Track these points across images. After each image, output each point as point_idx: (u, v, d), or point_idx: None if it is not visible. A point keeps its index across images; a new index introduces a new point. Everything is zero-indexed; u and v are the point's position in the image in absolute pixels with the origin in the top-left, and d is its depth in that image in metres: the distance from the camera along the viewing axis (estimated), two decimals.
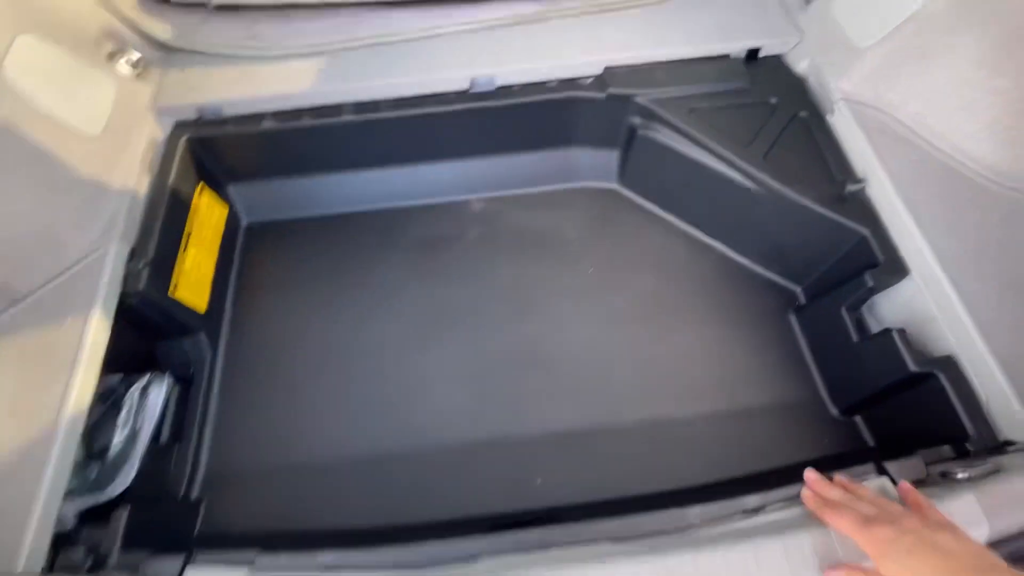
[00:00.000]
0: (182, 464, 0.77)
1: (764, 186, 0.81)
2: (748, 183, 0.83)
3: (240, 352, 0.88)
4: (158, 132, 0.86)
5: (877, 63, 0.79)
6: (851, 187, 0.78)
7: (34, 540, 0.55)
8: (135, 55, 0.86)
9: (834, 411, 0.80)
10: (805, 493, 0.53)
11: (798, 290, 0.91)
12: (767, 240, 0.89)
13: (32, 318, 0.69)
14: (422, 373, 0.86)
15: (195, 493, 0.77)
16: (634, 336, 0.88)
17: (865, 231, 0.76)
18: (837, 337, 0.78)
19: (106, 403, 0.78)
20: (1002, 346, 0.63)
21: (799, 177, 0.80)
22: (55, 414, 0.62)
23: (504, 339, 0.88)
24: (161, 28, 0.89)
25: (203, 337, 0.85)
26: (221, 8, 0.89)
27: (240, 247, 0.99)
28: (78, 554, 0.58)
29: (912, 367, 0.66)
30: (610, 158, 1.00)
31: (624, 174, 1.00)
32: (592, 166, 1.01)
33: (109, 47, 0.85)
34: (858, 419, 0.79)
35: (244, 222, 1.01)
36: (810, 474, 0.55)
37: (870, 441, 0.78)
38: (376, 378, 0.86)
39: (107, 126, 0.78)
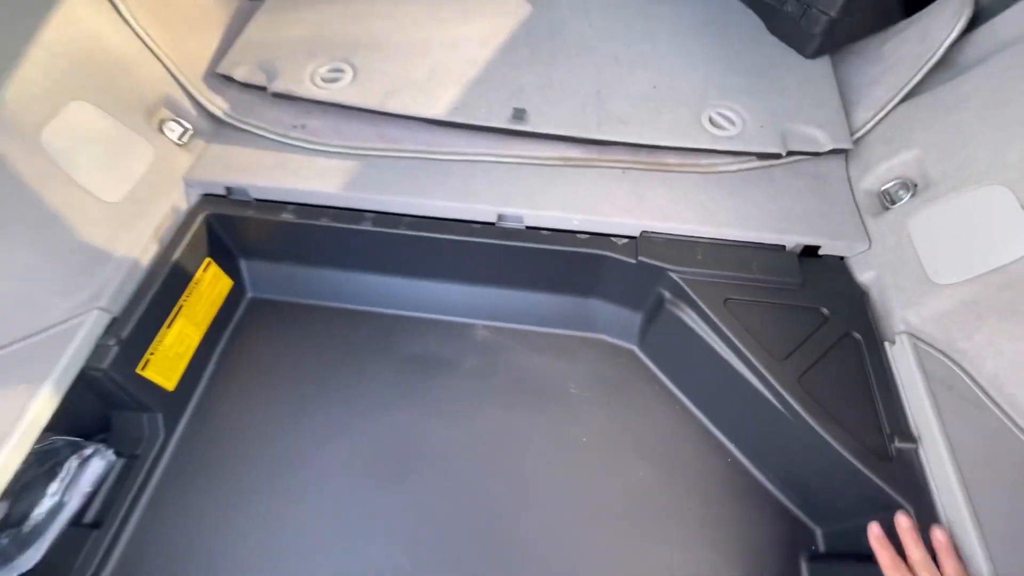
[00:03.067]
0: (91, 557, 0.71)
1: (793, 413, 0.70)
2: (776, 403, 0.72)
3: (196, 440, 0.83)
4: (182, 202, 0.86)
5: (954, 306, 0.67)
6: (900, 445, 0.65)
7: None
8: (186, 125, 0.88)
9: None
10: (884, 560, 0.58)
11: (818, 532, 0.77)
12: (791, 467, 0.77)
13: None
14: (371, 516, 0.77)
15: None
16: (615, 538, 0.76)
17: (907, 505, 0.62)
18: None
19: (44, 466, 0.75)
20: None
21: (839, 413, 0.68)
22: None
23: (469, 501, 0.79)
24: (218, 102, 0.91)
25: (159, 419, 0.81)
26: (278, 95, 0.90)
27: (237, 320, 0.96)
28: None
29: None
30: (632, 319, 0.91)
31: (644, 340, 0.91)
32: (612, 322, 0.92)
33: (163, 114, 0.87)
34: None
35: (249, 295, 0.99)
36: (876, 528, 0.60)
37: None
38: (322, 509, 0.78)
39: (130, 193, 0.79)
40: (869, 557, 0.61)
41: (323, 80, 0.90)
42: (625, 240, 0.83)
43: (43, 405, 0.65)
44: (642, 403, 0.88)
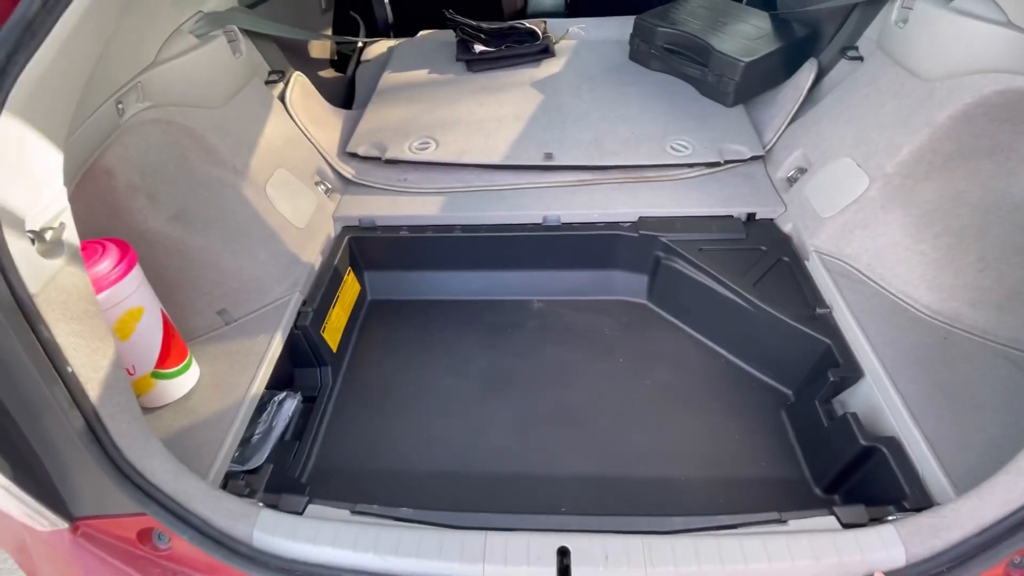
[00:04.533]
0: (299, 457, 1.04)
1: (754, 306, 1.09)
2: (743, 303, 1.11)
3: (353, 387, 1.19)
4: (332, 231, 1.29)
5: (836, 229, 1.10)
6: (820, 310, 1.04)
7: (219, 465, 0.84)
8: (328, 184, 1.34)
9: (816, 490, 0.96)
10: None
11: (790, 392, 1.12)
12: (760, 349, 1.14)
13: (239, 333, 1.05)
14: (482, 419, 1.11)
15: (304, 479, 1.02)
16: (650, 413, 1.10)
17: (829, 341, 1.00)
18: (814, 425, 0.98)
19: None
20: (931, 431, 0.82)
21: (781, 302, 1.08)
22: (244, 390, 0.94)
23: (547, 402, 1.14)
24: (347, 169, 1.39)
25: (329, 370, 1.17)
26: (388, 161, 1.37)
27: (363, 316, 1.35)
28: (240, 483, 0.85)
29: (862, 441, 0.85)
30: (641, 280, 1.32)
31: (652, 293, 1.31)
32: (627, 285, 1.33)
33: (316, 177, 1.34)
34: (836, 497, 0.94)
35: (369, 297, 1.39)
36: None
37: None
38: (449, 417, 1.12)
39: (308, 223, 1.22)
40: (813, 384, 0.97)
41: (417, 149, 1.38)
42: (629, 223, 1.26)
43: (277, 346, 1.03)
44: (656, 335, 1.26)
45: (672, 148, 1.35)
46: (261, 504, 0.77)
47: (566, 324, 1.30)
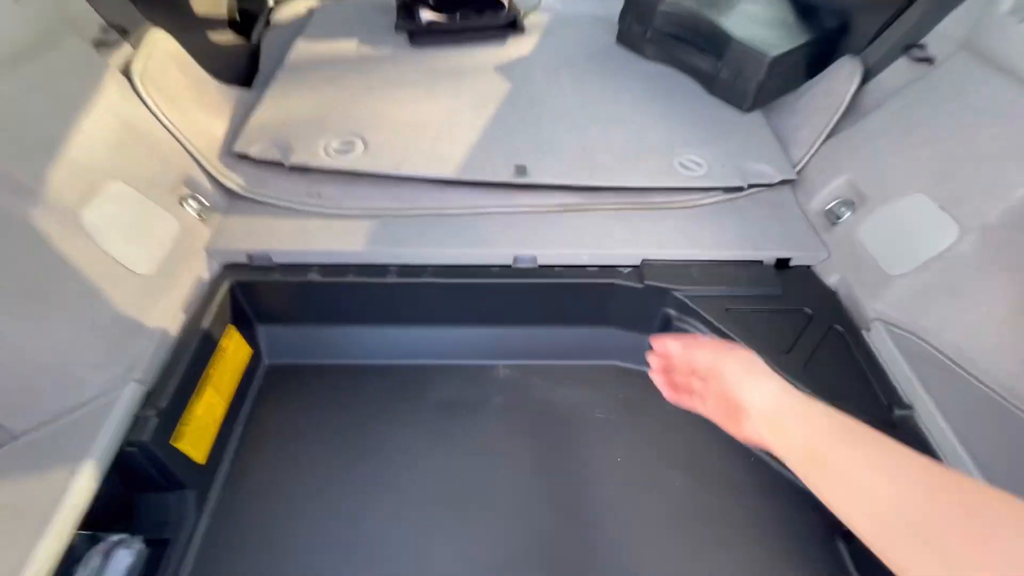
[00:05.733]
0: None
1: None
2: None
3: (230, 517, 0.79)
4: (205, 272, 0.88)
5: (909, 292, 0.82)
6: (898, 411, 0.75)
7: None
8: (202, 201, 0.92)
9: None
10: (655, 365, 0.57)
11: None
12: None
13: (17, 463, 0.63)
14: (427, 568, 0.76)
15: None
16: (663, 547, 0.79)
17: None
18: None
19: (61, 567, 0.68)
20: None
21: (843, 394, 0.78)
22: (21, 559, 0.54)
23: (519, 533, 0.80)
24: (234, 178, 0.96)
25: (191, 496, 0.77)
26: (294, 168, 0.96)
27: (256, 389, 0.95)
28: None
29: None
30: (643, 341, 1.00)
31: None
32: (624, 347, 1.00)
33: (182, 191, 0.90)
34: None
35: (265, 362, 0.98)
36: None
37: None
38: (379, 567, 0.75)
39: (160, 266, 0.80)
40: None
41: (336, 152, 0.97)
42: (629, 268, 0.93)
43: (86, 483, 0.62)
44: (664, 418, 0.94)
45: (682, 165, 1.02)
46: None
47: (543, 401, 0.96)
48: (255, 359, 0.96)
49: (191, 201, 0.90)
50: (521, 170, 0.97)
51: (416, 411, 0.93)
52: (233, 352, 0.89)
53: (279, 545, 0.77)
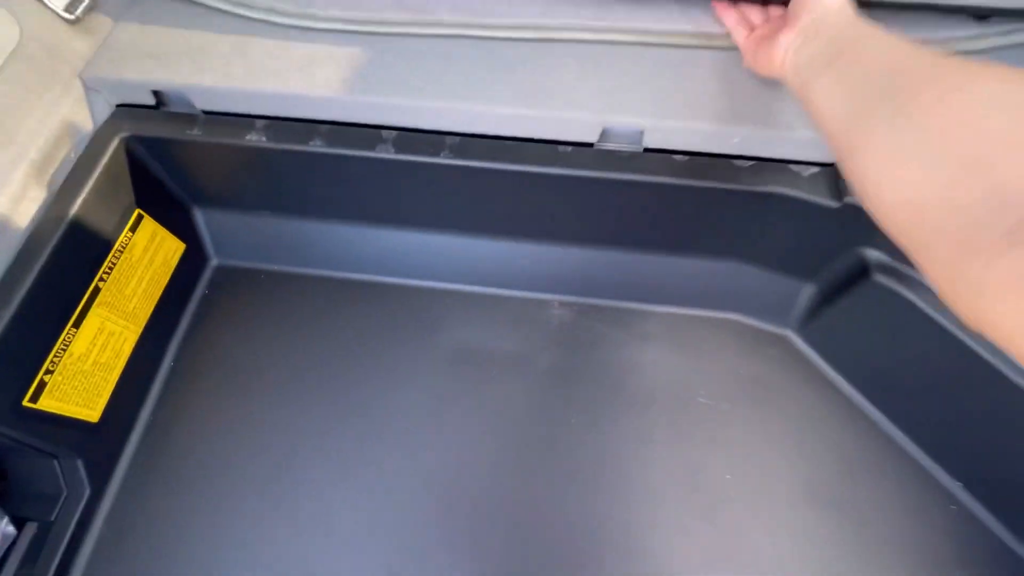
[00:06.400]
0: None
1: None
2: None
3: (143, 494, 0.55)
4: (82, 116, 0.53)
5: None
6: None
7: None
8: None
9: None
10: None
11: None
12: None
13: None
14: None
15: None
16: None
17: None
18: None
19: None
20: None
21: None
22: None
23: (568, 567, 0.52)
24: None
25: (80, 466, 0.52)
26: None
27: (197, 300, 0.66)
28: None
29: None
30: (793, 291, 0.60)
31: (812, 322, 0.60)
32: (761, 294, 0.62)
33: None
34: None
35: (213, 263, 0.68)
36: None
37: None
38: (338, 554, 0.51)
39: None
40: None
41: None
42: (815, 170, 0.50)
43: None
44: (807, 413, 0.59)
45: None
46: None
47: (618, 368, 0.62)
48: (196, 257, 0.65)
49: None
50: None
51: (421, 357, 0.62)
52: (145, 249, 0.58)
53: (209, 542, 0.53)
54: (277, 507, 0.55)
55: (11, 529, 0.50)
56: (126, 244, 0.55)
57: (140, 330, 0.58)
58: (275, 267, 0.67)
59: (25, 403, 0.46)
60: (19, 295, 0.45)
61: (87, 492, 0.52)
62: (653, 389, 0.60)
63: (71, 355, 0.50)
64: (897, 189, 0.26)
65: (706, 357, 0.62)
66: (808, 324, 0.61)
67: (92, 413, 0.53)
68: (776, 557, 0.53)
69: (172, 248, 0.61)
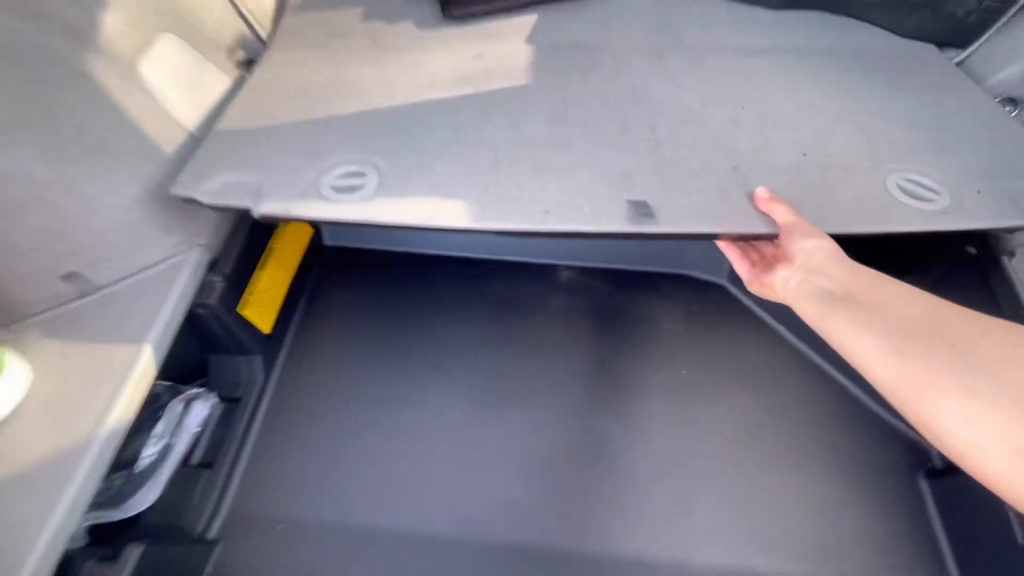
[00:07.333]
0: (207, 495, 0.71)
1: None
2: None
3: (293, 384, 0.83)
4: None
5: None
6: None
7: (40, 560, 0.49)
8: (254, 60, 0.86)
9: None
10: (760, 192, 0.56)
11: (934, 450, 0.76)
12: None
13: (98, 313, 0.65)
14: (477, 453, 0.77)
15: (213, 532, 0.70)
16: (724, 464, 0.76)
17: None
18: (989, 526, 0.63)
19: (147, 409, 0.74)
20: None
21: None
22: (95, 422, 0.55)
23: (575, 433, 0.78)
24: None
25: (259, 360, 0.80)
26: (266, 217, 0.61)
27: (318, 270, 0.95)
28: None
29: None
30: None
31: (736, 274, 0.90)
32: (702, 256, 0.91)
33: (239, 55, 0.85)
34: None
35: (328, 242, 0.98)
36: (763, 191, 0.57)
37: None
38: (428, 447, 0.77)
39: None
40: None
41: (336, 189, 0.61)
42: None
43: (162, 339, 0.64)
44: (738, 335, 0.87)
45: (904, 190, 0.61)
46: None
47: (607, 307, 0.90)
48: (316, 240, 0.95)
49: (248, 67, 0.84)
50: (642, 209, 0.58)
51: (473, 306, 0.91)
52: (293, 229, 0.88)
53: (339, 413, 0.80)
54: (374, 402, 0.81)
55: (217, 401, 0.76)
56: (285, 225, 0.85)
57: (289, 279, 0.87)
58: (368, 246, 0.97)
59: (237, 309, 0.75)
60: (239, 245, 0.74)
61: (261, 379, 0.80)
62: (632, 318, 0.89)
63: (258, 286, 0.79)
64: (978, 434, 0.27)
65: (667, 298, 0.91)
66: (734, 276, 0.90)
67: (266, 326, 0.81)
68: (717, 416, 0.79)
69: (307, 230, 0.92)
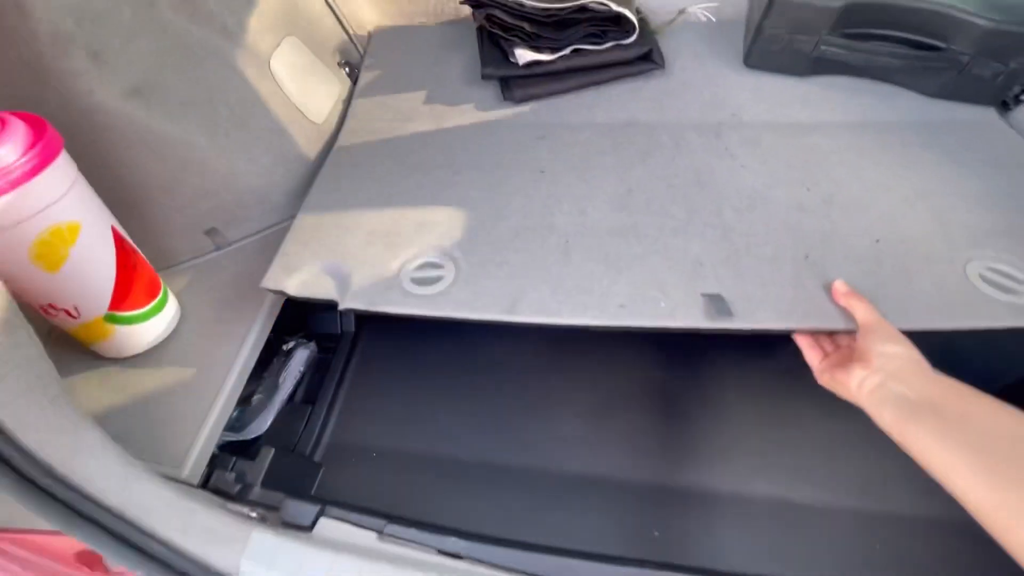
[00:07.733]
0: (311, 426, 0.75)
1: None
2: None
3: (385, 334, 0.86)
4: None
5: None
6: None
7: (199, 453, 0.57)
8: (354, 66, 1.02)
9: None
10: (838, 286, 0.55)
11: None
12: None
13: (235, 262, 0.77)
14: (549, 396, 0.78)
15: (317, 456, 0.74)
16: (777, 407, 0.74)
17: None
18: None
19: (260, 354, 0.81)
20: None
21: None
22: (242, 337, 0.67)
23: (638, 381, 0.78)
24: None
25: (350, 315, 0.84)
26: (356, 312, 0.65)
27: None
28: (229, 478, 0.58)
29: None
30: None
31: None
32: None
33: (339, 57, 1.01)
34: None
35: None
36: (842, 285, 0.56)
37: None
38: (508, 386, 0.79)
39: (328, 119, 0.91)
40: None
41: (414, 281, 0.63)
42: None
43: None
44: None
45: (987, 280, 0.58)
46: (254, 515, 0.50)
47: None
48: None
49: (347, 66, 1.01)
50: (718, 304, 0.58)
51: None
52: None
53: (421, 364, 0.83)
54: (462, 358, 0.82)
55: (316, 349, 0.81)
56: None
57: None
58: None
59: None
60: None
61: (353, 330, 0.85)
62: None
63: None
64: None
65: None
66: None
67: None
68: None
69: None
